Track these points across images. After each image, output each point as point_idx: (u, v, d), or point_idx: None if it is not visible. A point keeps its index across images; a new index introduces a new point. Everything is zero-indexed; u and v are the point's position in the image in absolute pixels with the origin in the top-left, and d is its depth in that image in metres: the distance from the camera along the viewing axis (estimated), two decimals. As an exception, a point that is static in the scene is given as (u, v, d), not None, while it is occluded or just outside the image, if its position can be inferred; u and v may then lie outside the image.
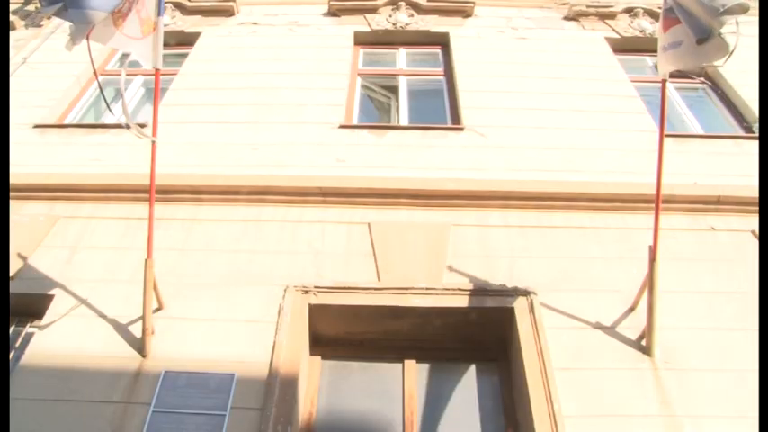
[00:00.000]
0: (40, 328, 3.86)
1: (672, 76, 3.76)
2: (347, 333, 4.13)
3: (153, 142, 3.67)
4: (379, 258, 4.22)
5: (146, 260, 3.65)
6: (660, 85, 3.72)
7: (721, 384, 3.53)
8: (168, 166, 4.70)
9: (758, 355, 3.44)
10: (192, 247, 4.33)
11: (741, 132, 5.78)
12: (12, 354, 3.91)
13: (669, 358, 3.66)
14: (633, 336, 3.78)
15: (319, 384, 3.97)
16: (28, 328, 4.05)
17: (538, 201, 4.60)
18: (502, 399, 3.89)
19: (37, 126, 5.60)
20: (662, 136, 3.58)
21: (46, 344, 3.74)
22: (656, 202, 3.62)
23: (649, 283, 3.63)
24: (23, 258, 4.24)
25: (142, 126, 4.86)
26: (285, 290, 4.01)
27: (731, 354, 3.69)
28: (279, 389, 3.48)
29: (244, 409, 3.40)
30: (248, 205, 4.63)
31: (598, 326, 3.84)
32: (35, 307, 4.02)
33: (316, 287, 4.03)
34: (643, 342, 3.72)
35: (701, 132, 5.80)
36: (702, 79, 6.61)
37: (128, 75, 6.50)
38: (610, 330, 3.82)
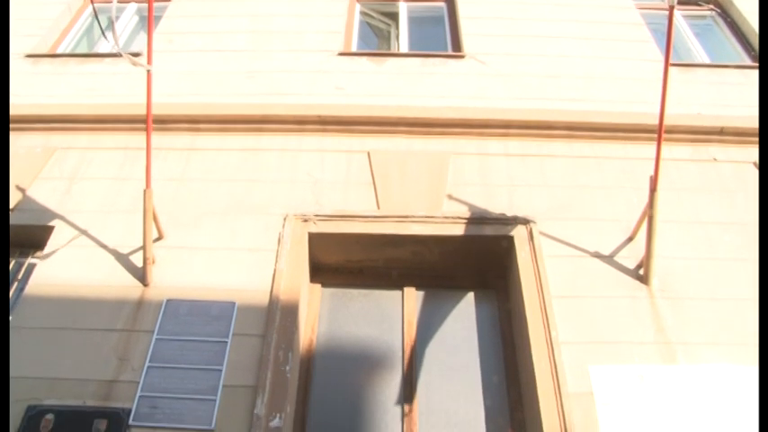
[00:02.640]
0: (42, 258, 3.87)
1: (680, 2, 3.65)
2: (347, 261, 4.17)
3: (148, 71, 3.58)
4: (379, 187, 4.21)
5: (144, 190, 3.64)
6: (667, 12, 3.61)
7: (717, 313, 3.58)
8: (165, 96, 4.67)
9: (758, 284, 3.47)
10: (191, 177, 4.31)
11: (748, 62, 5.67)
12: (15, 285, 3.95)
13: (666, 287, 3.70)
14: (631, 265, 3.80)
15: (319, 311, 4.03)
16: (30, 259, 4.08)
17: (539, 129, 4.55)
18: (500, 326, 3.95)
19: (29, 56, 5.49)
20: (667, 65, 3.50)
21: (48, 274, 3.77)
22: (659, 132, 3.56)
23: (649, 212, 3.62)
24: (22, 190, 4.23)
25: (136, 55, 4.78)
26: (285, 218, 4.01)
27: (728, 283, 3.72)
28: (279, 316, 3.53)
29: (245, 336, 3.46)
30: (246, 134, 4.58)
31: (597, 255, 3.85)
32: (36, 238, 4.04)
33: (315, 215, 4.03)
34: (641, 271, 3.74)
35: (707, 62, 5.69)
36: (712, 6, 6.45)
37: (120, 2, 6.35)
38: (608, 259, 3.84)
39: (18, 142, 4.57)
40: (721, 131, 4.55)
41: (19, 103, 4.74)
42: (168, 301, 3.62)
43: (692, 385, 3.26)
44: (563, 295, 3.64)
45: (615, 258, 3.84)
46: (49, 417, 3.14)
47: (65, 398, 3.22)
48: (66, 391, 3.25)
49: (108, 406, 3.19)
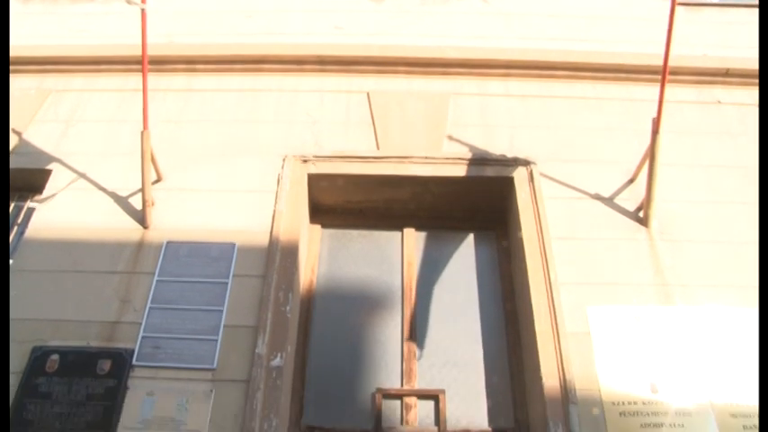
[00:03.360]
0: (41, 202, 3.87)
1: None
2: (347, 202, 4.18)
3: (142, 10, 3.50)
4: (379, 127, 4.17)
5: (142, 132, 3.61)
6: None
7: (716, 255, 3.59)
8: (160, 36, 4.57)
9: (758, 227, 3.46)
10: (189, 119, 4.27)
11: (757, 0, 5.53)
12: (15, 228, 3.95)
13: (666, 229, 3.70)
14: (631, 207, 3.79)
15: (319, 252, 4.06)
16: (29, 203, 4.07)
17: (540, 70, 4.48)
18: (499, 266, 3.98)
19: (18, -6, 5.36)
20: (674, 4, 3.41)
21: (48, 218, 3.77)
22: (663, 74, 3.50)
23: (650, 154, 3.59)
24: (18, 133, 4.19)
25: (130, -6, 4.65)
26: (284, 159, 3.98)
27: (729, 226, 3.72)
28: (279, 257, 3.54)
29: (246, 277, 3.48)
30: (244, 74, 4.51)
31: (597, 196, 3.85)
32: (34, 182, 4.03)
33: (315, 156, 4.01)
34: (641, 213, 3.74)
35: (715, 1, 5.55)
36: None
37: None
38: (608, 201, 3.83)
39: (12, 85, 4.48)
40: (726, 73, 4.49)
41: (11, 44, 4.64)
42: (168, 242, 3.63)
43: (689, 326, 3.29)
44: (562, 236, 3.65)
45: (615, 200, 3.83)
46: (55, 357, 3.18)
47: (69, 339, 3.26)
48: (70, 332, 3.29)
49: (111, 346, 3.23)
